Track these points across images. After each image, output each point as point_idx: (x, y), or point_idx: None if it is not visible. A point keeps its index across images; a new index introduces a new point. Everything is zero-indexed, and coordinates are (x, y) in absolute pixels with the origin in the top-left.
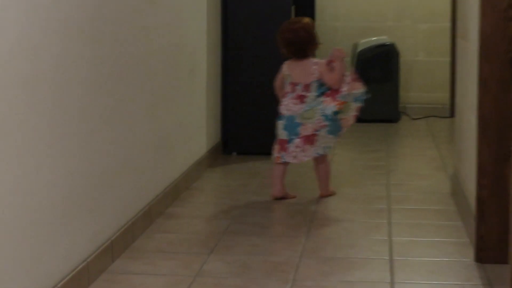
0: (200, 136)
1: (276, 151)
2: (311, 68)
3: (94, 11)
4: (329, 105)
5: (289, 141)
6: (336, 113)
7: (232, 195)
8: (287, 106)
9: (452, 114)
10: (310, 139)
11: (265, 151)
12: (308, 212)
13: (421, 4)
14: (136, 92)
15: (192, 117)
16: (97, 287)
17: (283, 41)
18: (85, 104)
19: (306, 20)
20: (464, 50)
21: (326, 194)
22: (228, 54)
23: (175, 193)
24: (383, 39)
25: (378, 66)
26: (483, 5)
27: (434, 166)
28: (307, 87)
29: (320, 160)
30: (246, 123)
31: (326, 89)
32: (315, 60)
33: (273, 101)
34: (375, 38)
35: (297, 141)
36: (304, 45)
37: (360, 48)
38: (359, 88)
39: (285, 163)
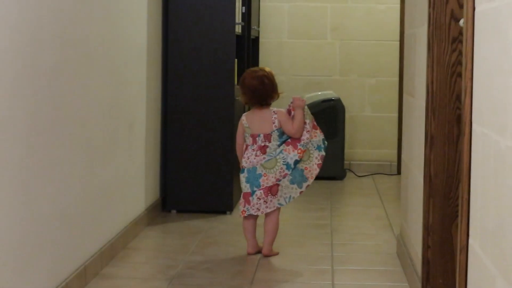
0: (138, 193)
1: (241, 205)
2: (271, 118)
3: (33, 61)
4: (290, 154)
5: (252, 193)
6: (297, 161)
7: (171, 254)
8: (249, 158)
9: (399, 171)
10: (272, 190)
11: (206, 209)
12: (249, 273)
13: (368, 58)
14: (72, 146)
15: (131, 173)
16: None
17: (247, 88)
18: (19, 157)
19: (268, 69)
20: (411, 106)
21: (269, 254)
22: (169, 108)
23: (112, 252)
24: (329, 93)
25: (324, 121)
26: (430, 61)
27: (380, 225)
28: (268, 137)
29: (272, 215)
30: (186, 180)
31: (287, 138)
32: (274, 109)
33: (214, 158)
34: (320, 92)
35: (259, 192)
36: (267, 93)
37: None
38: (319, 135)
39: (254, 217)
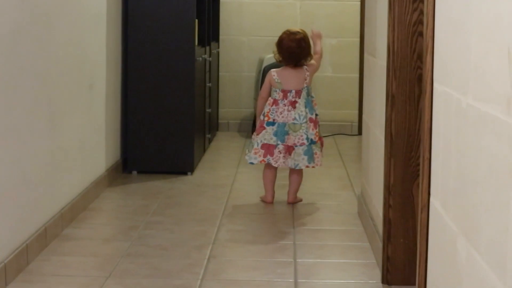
0: (99, 154)
1: (260, 155)
2: (304, 75)
3: None
4: (310, 130)
5: (276, 146)
6: (312, 142)
7: (132, 215)
8: (282, 113)
9: (360, 131)
10: (289, 150)
11: (166, 170)
12: (210, 233)
13: (329, 18)
14: (32, 107)
15: (91, 134)
16: None
17: (285, 49)
18: None
19: (303, 31)
20: (372, 66)
21: (294, 201)
22: (129, 69)
23: (72, 213)
24: None
25: None
26: (391, 21)
27: (341, 185)
28: (298, 93)
29: (295, 170)
30: (147, 141)
31: (311, 97)
32: (306, 67)
33: (175, 118)
34: None
35: (281, 147)
36: (303, 55)
37: (266, 63)
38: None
39: (275, 168)
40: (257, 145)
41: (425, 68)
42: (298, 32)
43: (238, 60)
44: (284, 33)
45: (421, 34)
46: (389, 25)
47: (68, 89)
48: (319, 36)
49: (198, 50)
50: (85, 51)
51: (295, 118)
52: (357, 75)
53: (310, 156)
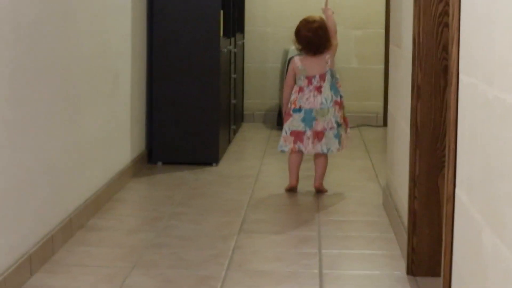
0: (124, 145)
1: (289, 142)
2: (325, 59)
3: (14, 15)
4: (336, 113)
5: (304, 132)
6: (339, 124)
7: (157, 206)
8: (308, 99)
9: (385, 123)
10: (319, 135)
11: (192, 161)
12: (235, 224)
13: (354, 10)
14: (57, 98)
15: (116, 125)
16: None
17: (303, 39)
18: (1, 110)
19: (321, 18)
20: (397, 57)
21: (320, 187)
22: (154, 60)
23: (97, 204)
24: None
25: None
26: (417, 12)
27: (366, 177)
28: (323, 77)
29: (321, 155)
30: (172, 132)
31: (335, 79)
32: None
33: (201, 109)
34: None
35: (309, 133)
36: (321, 44)
37: (291, 54)
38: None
39: (301, 153)
40: (286, 133)
41: (451, 59)
42: (315, 20)
43: (263, 51)
44: (301, 22)
45: (446, 25)
46: (414, 16)
47: (92, 79)
48: (329, 14)
49: (223, 41)
50: (110, 41)
51: (322, 103)
52: (382, 66)
53: (339, 140)
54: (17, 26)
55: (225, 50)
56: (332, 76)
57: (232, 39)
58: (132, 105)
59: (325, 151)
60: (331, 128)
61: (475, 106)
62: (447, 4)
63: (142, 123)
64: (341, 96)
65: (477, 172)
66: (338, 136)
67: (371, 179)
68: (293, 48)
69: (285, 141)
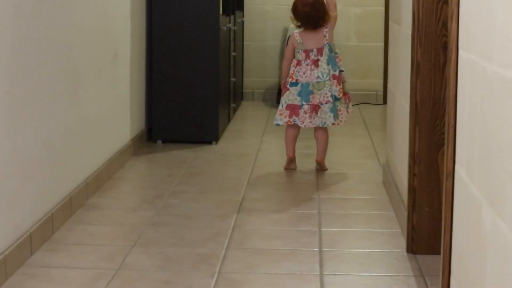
0: (123, 124)
1: (285, 116)
2: (323, 33)
3: None
4: (334, 87)
5: (301, 106)
6: (336, 98)
7: (157, 185)
8: (305, 73)
9: (385, 101)
10: (315, 109)
11: (191, 139)
12: (234, 202)
13: None
14: (56, 77)
15: (115, 104)
16: (15, 281)
17: (301, 15)
18: (1, 88)
19: None
20: (397, 34)
21: (322, 161)
22: (153, 39)
23: (97, 183)
24: None
25: None
26: None
27: (366, 155)
28: (320, 51)
29: (320, 129)
30: (171, 111)
31: (334, 53)
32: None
33: (200, 88)
34: None
35: (306, 107)
36: (320, 18)
37: (290, 32)
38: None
39: (298, 127)
40: (282, 106)
41: (450, 36)
42: None
43: (262, 29)
44: None
45: (446, 1)
46: None
47: (92, 58)
48: None
49: (223, 19)
50: (110, 20)
51: (318, 77)
52: (381, 44)
53: (335, 113)
54: (18, 3)
55: (225, 28)
56: (331, 50)
57: (232, 17)
58: (132, 83)
59: (320, 125)
60: (326, 102)
61: (474, 82)
62: None
63: (142, 102)
64: (341, 71)
65: (476, 149)
66: (334, 110)
67: (371, 157)
68: (292, 26)
69: (280, 115)
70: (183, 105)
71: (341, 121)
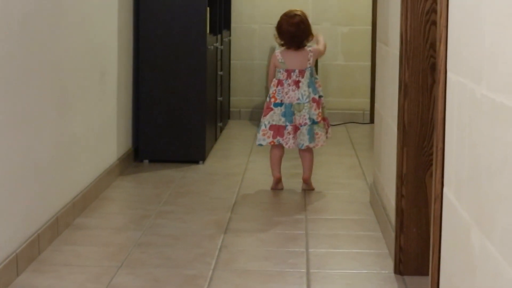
0: (110, 143)
1: (268, 136)
2: (308, 56)
3: (3, 13)
4: (312, 111)
5: (285, 127)
6: (314, 122)
7: (144, 205)
8: (287, 94)
9: (372, 120)
10: (296, 130)
11: (178, 159)
12: (222, 222)
13: (341, 6)
14: (43, 96)
15: (102, 123)
16: None
17: (285, 34)
18: None
19: (301, 12)
20: (384, 54)
21: (309, 180)
22: (141, 57)
23: (84, 203)
24: None
25: None
26: (404, 9)
27: (353, 174)
28: (302, 73)
29: (303, 149)
30: (158, 130)
31: (314, 78)
32: (310, 48)
33: (187, 107)
34: None
35: (289, 128)
36: (304, 37)
37: None
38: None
39: (282, 147)
40: (265, 126)
41: (438, 57)
42: (296, 14)
43: (249, 48)
44: (282, 17)
45: (434, 23)
46: (402, 14)
47: (79, 77)
48: (318, 35)
49: (210, 38)
50: (97, 39)
51: (298, 98)
52: (369, 63)
53: (312, 136)
54: (6, 24)
55: (212, 47)
56: (312, 74)
57: (219, 36)
58: (119, 102)
59: (298, 146)
60: (304, 124)
61: (463, 104)
62: (434, 1)
63: (129, 121)
64: (320, 96)
65: (465, 171)
66: (311, 133)
67: (358, 177)
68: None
69: (263, 135)
70: (170, 124)
71: (317, 145)
